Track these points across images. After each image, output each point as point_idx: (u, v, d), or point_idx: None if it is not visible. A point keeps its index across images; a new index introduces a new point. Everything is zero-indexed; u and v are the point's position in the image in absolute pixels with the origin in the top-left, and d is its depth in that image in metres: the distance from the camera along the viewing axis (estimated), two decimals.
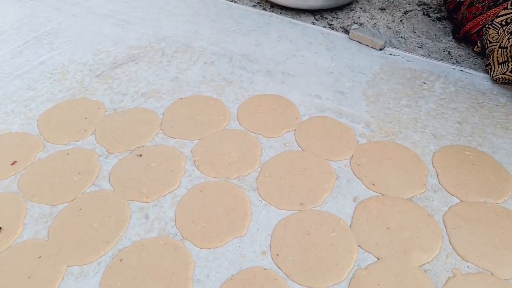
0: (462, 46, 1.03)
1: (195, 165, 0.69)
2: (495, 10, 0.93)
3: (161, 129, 0.76)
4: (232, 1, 1.20)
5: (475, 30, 0.98)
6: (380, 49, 1.00)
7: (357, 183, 0.67)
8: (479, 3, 0.97)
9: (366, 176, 0.68)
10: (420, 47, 1.03)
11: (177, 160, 0.69)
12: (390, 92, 0.87)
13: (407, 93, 0.87)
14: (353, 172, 0.69)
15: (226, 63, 0.95)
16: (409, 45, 1.03)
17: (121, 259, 0.55)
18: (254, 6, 1.18)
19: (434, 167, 0.70)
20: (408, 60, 0.97)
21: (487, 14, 0.95)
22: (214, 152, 0.71)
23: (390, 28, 1.10)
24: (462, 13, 1.02)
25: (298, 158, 0.70)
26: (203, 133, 0.75)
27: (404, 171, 0.68)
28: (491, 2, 0.95)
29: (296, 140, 0.75)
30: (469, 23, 0.99)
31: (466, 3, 1.01)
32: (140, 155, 0.70)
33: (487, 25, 0.94)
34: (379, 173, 0.68)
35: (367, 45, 1.02)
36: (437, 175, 0.68)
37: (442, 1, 1.16)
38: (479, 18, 0.96)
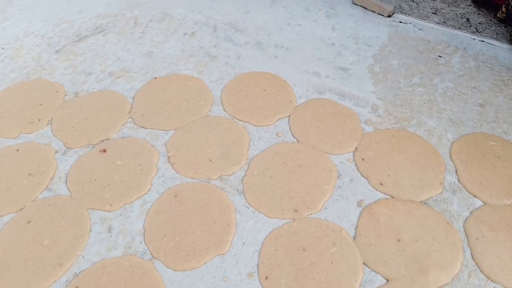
0: (483, 11, 0.89)
1: (169, 162, 0.58)
2: None
3: (130, 117, 0.64)
4: None
5: None
6: (389, 16, 0.86)
7: (362, 183, 0.57)
8: None
9: (373, 174, 0.57)
10: (435, 13, 0.89)
11: (147, 156, 0.58)
12: (401, 68, 0.75)
13: (420, 70, 0.74)
14: (357, 169, 0.58)
15: (209, 34, 0.81)
16: (421, 11, 0.89)
17: (77, 287, 0.45)
18: None
19: (452, 161, 0.59)
20: (420, 29, 0.83)
21: None
22: (192, 146, 0.60)
23: None
24: None
25: (293, 152, 0.59)
26: (180, 121, 0.63)
27: (417, 166, 0.58)
28: None
29: (290, 129, 0.63)
30: None
31: None
32: (104, 151, 0.59)
33: None
34: (388, 170, 0.57)
35: (374, 11, 0.88)
36: (456, 171, 0.58)
37: None
38: None
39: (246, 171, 0.57)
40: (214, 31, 0.82)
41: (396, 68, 0.75)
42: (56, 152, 0.59)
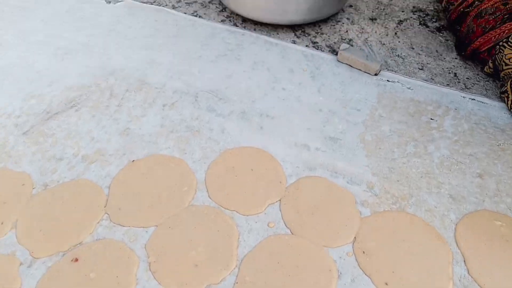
0: (469, 65, 0.88)
1: (150, 270, 0.52)
2: (511, 25, 0.78)
3: (106, 213, 0.58)
4: (196, 16, 1.00)
5: (486, 47, 0.82)
6: (375, 74, 0.83)
7: (366, 283, 0.51)
8: (490, 14, 0.82)
9: (376, 271, 0.52)
10: (421, 69, 0.87)
11: (126, 264, 0.52)
12: (393, 135, 0.71)
13: (413, 136, 0.71)
14: (358, 265, 0.53)
15: (190, 103, 0.77)
16: (408, 67, 0.87)
17: None
18: (222, 21, 0.99)
19: (459, 248, 0.55)
20: (409, 88, 0.81)
21: (500, 29, 0.79)
22: (175, 248, 0.54)
23: (384, 44, 0.93)
24: (467, 26, 0.86)
25: (287, 248, 0.54)
26: (161, 215, 0.58)
27: (423, 258, 0.53)
28: (505, 15, 0.79)
29: (282, 218, 0.58)
30: (478, 39, 0.83)
31: (473, 14, 0.85)
32: (76, 260, 0.52)
33: (501, 43, 0.78)
34: (392, 265, 0.53)
35: (360, 69, 0.85)
36: (464, 261, 0.54)
37: (442, 9, 1.00)
38: (491, 34, 0.81)
39: (237, 276, 0.51)
40: (196, 100, 0.78)
41: (388, 135, 0.71)
42: (21, 264, 0.53)
